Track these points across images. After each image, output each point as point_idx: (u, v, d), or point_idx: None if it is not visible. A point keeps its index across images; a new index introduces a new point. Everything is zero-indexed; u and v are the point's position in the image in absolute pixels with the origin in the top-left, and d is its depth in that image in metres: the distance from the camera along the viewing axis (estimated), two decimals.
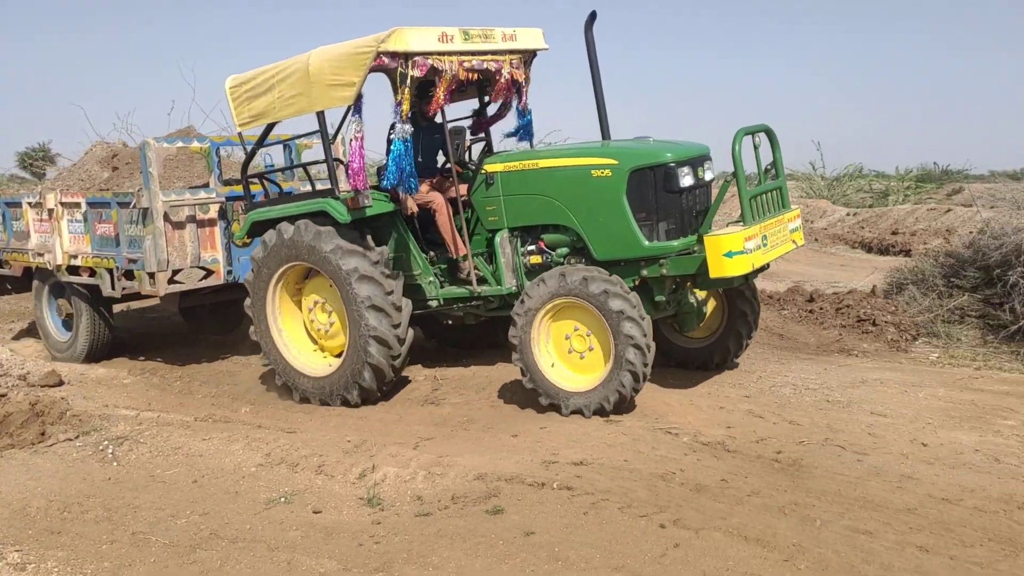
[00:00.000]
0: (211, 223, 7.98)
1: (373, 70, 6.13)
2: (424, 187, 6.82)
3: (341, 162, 7.52)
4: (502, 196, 6.57)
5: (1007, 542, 3.98)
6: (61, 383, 7.58)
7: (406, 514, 4.56)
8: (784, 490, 4.62)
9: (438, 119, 6.88)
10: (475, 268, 6.69)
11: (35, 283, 9.31)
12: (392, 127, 6.46)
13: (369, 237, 6.57)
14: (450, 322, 7.40)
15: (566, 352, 6.07)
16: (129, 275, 7.94)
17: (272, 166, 8.66)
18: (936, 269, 9.24)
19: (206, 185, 8.26)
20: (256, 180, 7.58)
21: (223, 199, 7.97)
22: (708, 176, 6.36)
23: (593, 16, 6.69)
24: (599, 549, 4.01)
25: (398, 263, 6.80)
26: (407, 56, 6.04)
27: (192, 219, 7.84)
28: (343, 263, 6.35)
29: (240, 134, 7.34)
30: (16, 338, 10.23)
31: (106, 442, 5.88)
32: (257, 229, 7.13)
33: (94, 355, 8.69)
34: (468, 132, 7.31)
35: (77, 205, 8.43)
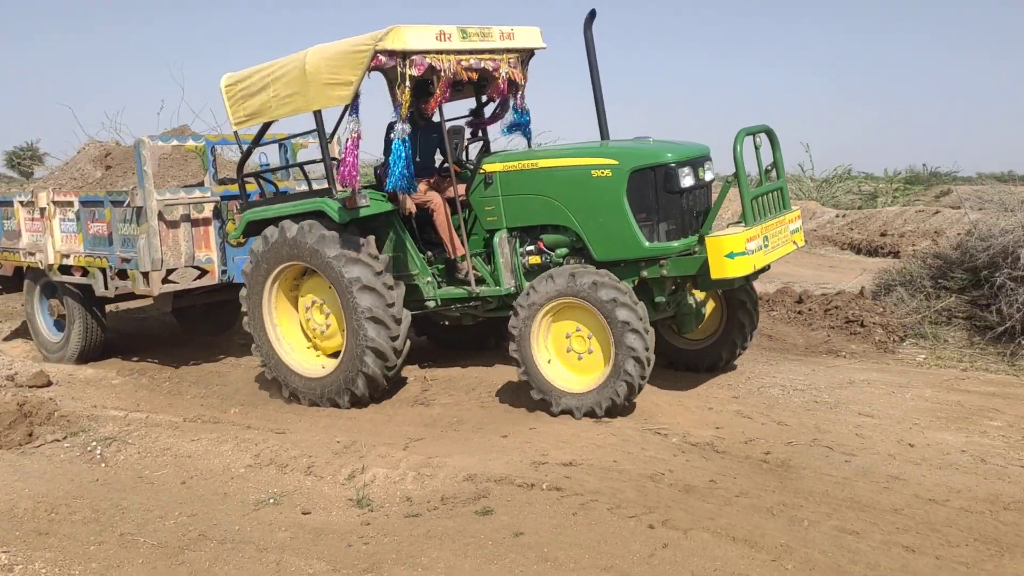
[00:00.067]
0: (206, 222, 7.92)
1: (371, 69, 6.08)
2: (422, 187, 6.79)
3: (338, 161, 7.48)
4: (501, 196, 6.53)
5: (993, 542, 4.02)
6: (49, 384, 7.54)
7: (395, 515, 4.56)
8: (772, 491, 4.64)
9: (436, 118, 6.86)
10: (473, 268, 6.66)
11: (26, 283, 9.24)
12: (390, 127, 6.43)
13: (372, 243, 6.53)
14: (447, 323, 7.36)
15: (564, 351, 6.05)
16: (122, 275, 7.88)
17: (267, 165, 8.61)
18: (924, 271, 9.29)
19: (201, 184, 8.21)
20: (252, 179, 7.54)
21: (218, 198, 7.93)
22: (708, 176, 6.35)
23: (592, 15, 6.64)
24: (588, 549, 4.02)
25: (395, 263, 6.77)
26: (405, 55, 5.99)
27: (187, 218, 7.78)
28: (346, 271, 6.30)
29: (236, 133, 7.28)
30: (7, 339, 10.17)
31: (94, 443, 5.86)
32: (253, 228, 7.09)
33: (86, 356, 8.62)
34: (466, 131, 7.28)
35: (70, 204, 8.36)
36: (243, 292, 7.04)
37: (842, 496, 4.55)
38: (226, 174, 8.49)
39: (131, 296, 8.51)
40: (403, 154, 6.24)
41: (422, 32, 6.06)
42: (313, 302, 6.86)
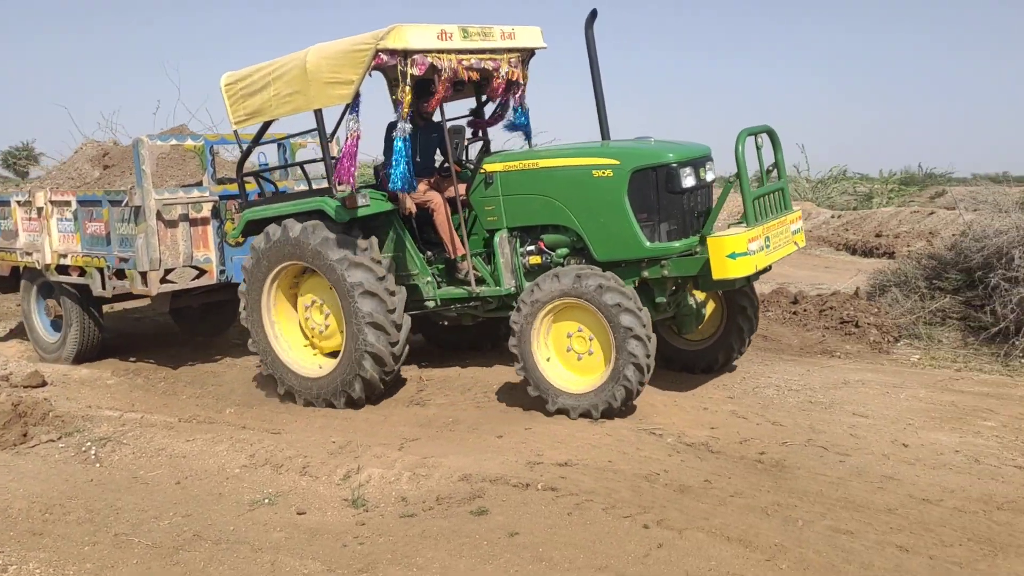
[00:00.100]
0: (204, 222, 7.89)
1: (372, 68, 6.05)
2: (422, 186, 6.76)
3: (337, 160, 7.45)
4: (501, 196, 6.51)
5: (986, 542, 4.03)
6: (44, 384, 7.53)
7: (391, 515, 4.56)
8: (767, 491, 4.65)
9: (436, 118, 6.83)
10: (473, 268, 6.63)
11: (23, 283, 9.20)
12: (391, 127, 6.40)
13: (376, 247, 6.51)
14: (445, 323, 7.34)
15: (564, 350, 6.03)
16: (120, 274, 7.86)
17: (266, 165, 8.56)
18: (918, 271, 9.31)
19: (199, 184, 8.19)
20: (251, 179, 7.50)
21: (216, 198, 7.90)
22: (709, 177, 6.33)
23: (594, 14, 6.60)
24: (583, 549, 4.02)
25: (395, 263, 6.75)
26: (406, 53, 5.95)
27: (185, 218, 7.75)
28: (348, 275, 6.29)
29: (235, 132, 7.25)
30: (3, 339, 10.14)
31: (89, 443, 5.85)
32: (252, 228, 7.07)
33: (83, 356, 8.59)
34: (467, 131, 7.24)
35: (67, 203, 8.33)
36: (242, 287, 7.01)
37: (836, 496, 4.57)
38: (224, 174, 8.47)
39: (129, 296, 8.48)
40: (404, 154, 6.22)
41: (423, 31, 6.03)
42: (313, 301, 6.83)
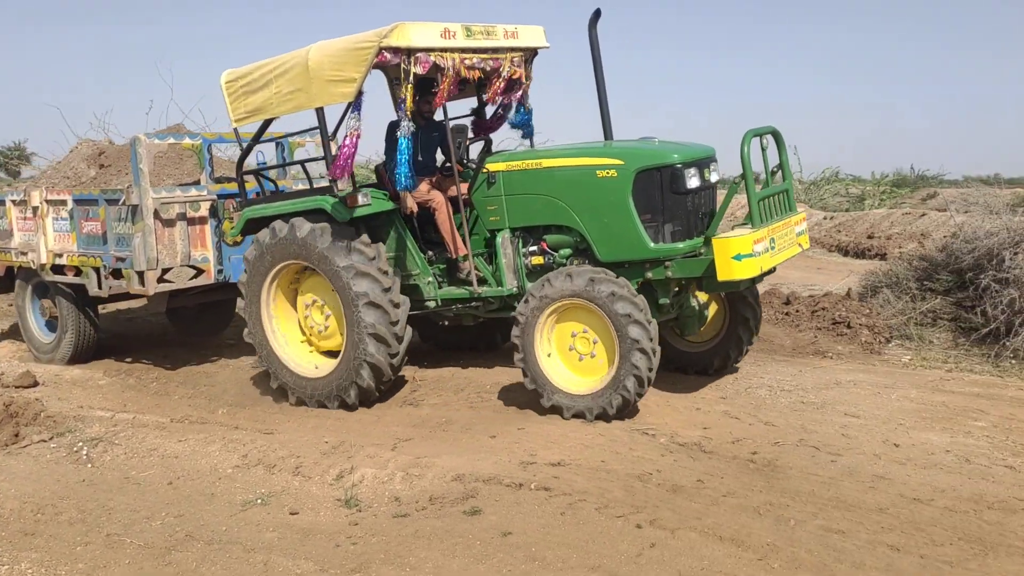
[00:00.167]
0: (202, 221, 7.85)
1: (374, 66, 6.01)
2: (424, 186, 6.73)
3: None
4: (504, 196, 6.48)
5: (976, 541, 4.05)
6: (36, 384, 7.51)
7: (383, 515, 4.56)
8: (759, 490, 4.67)
9: (438, 117, 6.79)
10: (475, 268, 6.60)
11: (18, 283, 9.15)
12: (392, 126, 6.37)
13: (366, 235, 6.48)
14: (445, 323, 7.30)
15: (567, 348, 6.00)
16: (116, 274, 7.81)
17: (264, 164, 8.52)
18: (910, 272, 9.34)
19: (197, 183, 8.16)
20: (250, 177, 7.46)
21: (214, 197, 7.86)
22: (714, 178, 6.31)
23: (597, 14, 6.57)
24: (576, 549, 4.03)
25: (396, 263, 6.72)
26: (409, 52, 5.92)
27: (182, 217, 7.71)
28: (339, 260, 6.27)
29: (235, 130, 7.19)
30: None
31: (80, 443, 5.84)
32: (252, 227, 7.02)
33: (79, 357, 8.54)
34: (469, 130, 7.15)
35: (63, 202, 8.28)
36: (243, 277, 6.95)
37: (828, 496, 4.58)
38: (222, 173, 8.44)
39: (124, 296, 8.43)
40: (406, 153, 6.18)
41: (427, 29, 5.99)
42: (313, 301, 6.79)
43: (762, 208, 5.92)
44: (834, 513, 4.36)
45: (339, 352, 6.64)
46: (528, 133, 7.18)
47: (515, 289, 6.49)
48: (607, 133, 6.79)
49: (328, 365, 6.71)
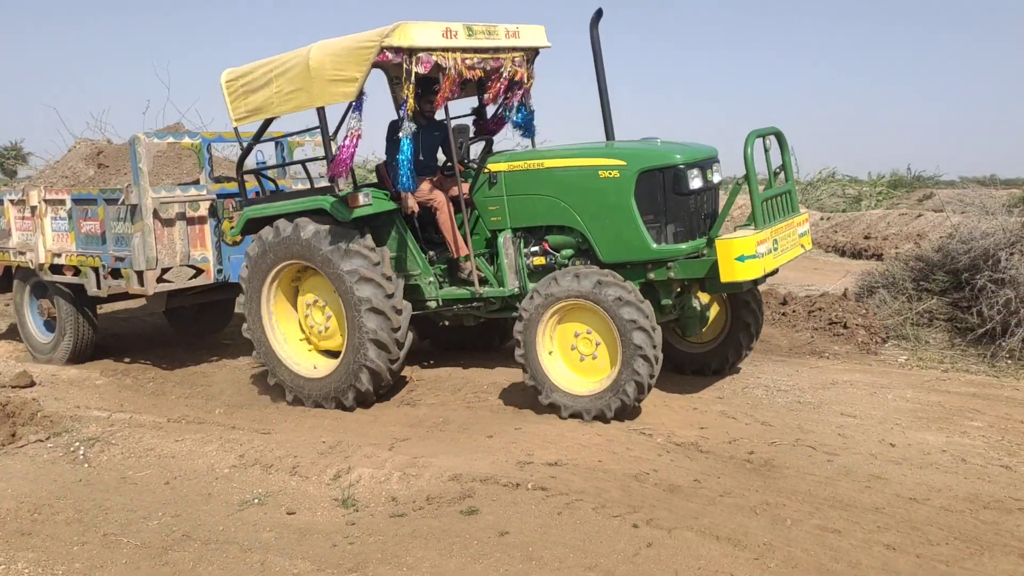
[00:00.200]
0: (201, 221, 7.82)
1: (375, 65, 5.98)
2: (425, 185, 6.71)
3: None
4: (505, 196, 6.46)
5: (972, 541, 4.06)
6: (32, 384, 7.49)
7: (380, 515, 4.56)
8: (756, 490, 4.67)
9: (438, 116, 6.76)
10: (476, 269, 6.57)
11: (15, 283, 9.12)
12: (395, 126, 6.34)
13: (369, 238, 6.46)
14: (446, 323, 7.29)
15: (568, 347, 5.98)
16: (116, 274, 7.79)
17: (263, 163, 8.51)
18: (906, 273, 9.36)
19: (196, 182, 8.14)
20: (250, 177, 7.42)
21: (214, 196, 7.83)
22: (716, 179, 6.29)
23: (599, 14, 6.53)
24: (573, 549, 4.04)
25: (397, 263, 6.70)
26: (411, 51, 5.89)
27: (182, 216, 7.69)
28: (343, 264, 6.25)
29: (236, 129, 7.16)
30: None
31: (77, 443, 5.83)
32: (252, 226, 7.00)
33: (78, 357, 8.51)
34: (471, 130, 7.10)
35: (61, 202, 8.26)
36: (243, 273, 6.91)
37: (824, 495, 4.59)
38: (221, 172, 8.43)
39: (123, 296, 8.42)
40: (407, 153, 6.16)
41: (429, 29, 5.97)
42: (315, 300, 6.76)
43: (765, 209, 5.89)
44: (830, 512, 4.37)
45: (338, 352, 6.63)
46: (529, 133, 7.14)
47: (516, 289, 6.47)
48: (608, 133, 6.77)
49: (326, 365, 6.71)
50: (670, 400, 6.34)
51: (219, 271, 7.92)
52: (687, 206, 6.01)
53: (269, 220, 6.77)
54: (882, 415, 6.02)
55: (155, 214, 7.47)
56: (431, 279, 6.78)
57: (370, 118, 6.24)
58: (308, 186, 7.64)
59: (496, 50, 6.45)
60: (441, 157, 7.14)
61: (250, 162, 7.40)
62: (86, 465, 5.54)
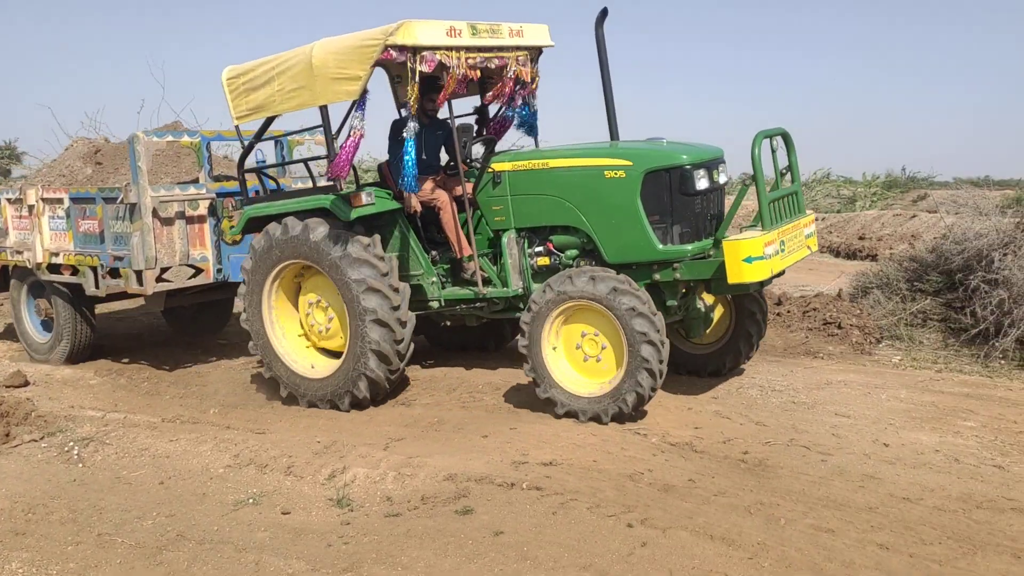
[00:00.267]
0: (200, 220, 7.78)
1: (378, 64, 5.94)
2: (428, 185, 6.68)
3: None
4: (509, 196, 6.43)
5: (965, 540, 4.08)
6: (26, 384, 7.48)
7: (375, 514, 4.56)
8: (750, 490, 4.69)
9: (442, 115, 6.74)
10: (480, 269, 6.54)
11: (12, 282, 9.08)
12: (398, 125, 6.30)
13: (378, 242, 6.41)
14: (447, 323, 7.27)
15: (573, 346, 5.95)
16: (114, 273, 7.75)
17: (263, 162, 8.47)
18: (900, 273, 9.39)
19: (195, 181, 8.09)
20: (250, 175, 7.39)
21: (213, 195, 7.79)
22: (722, 179, 6.27)
23: (604, 13, 6.49)
24: (567, 548, 4.04)
25: (400, 263, 6.66)
26: (416, 50, 5.86)
27: (181, 215, 7.65)
28: (351, 272, 6.18)
29: (237, 128, 7.10)
30: None
31: (71, 443, 5.82)
32: (253, 225, 6.96)
33: (75, 357, 8.48)
34: (474, 129, 7.05)
35: (59, 201, 8.22)
36: (247, 264, 6.85)
37: (818, 495, 4.61)
38: (220, 171, 8.39)
39: (122, 296, 8.38)
40: (410, 152, 6.12)
41: (433, 27, 5.93)
42: (318, 300, 6.71)
43: (772, 210, 5.87)
44: (824, 512, 4.38)
45: (337, 352, 6.62)
46: (533, 133, 7.11)
47: (520, 290, 6.44)
48: (613, 133, 6.73)
49: (324, 364, 6.69)
50: (665, 400, 6.35)
51: (218, 270, 7.88)
52: (693, 207, 5.97)
53: (270, 220, 6.73)
54: (876, 415, 6.04)
55: (154, 213, 7.43)
56: (434, 279, 6.74)
57: (369, 117, 6.21)
58: (308, 185, 7.61)
59: (500, 49, 6.41)
60: (443, 156, 7.12)
61: (249, 161, 7.37)
62: (80, 465, 5.53)
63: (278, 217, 6.68)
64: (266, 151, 8.90)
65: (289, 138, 8.56)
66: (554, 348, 5.97)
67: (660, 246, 5.92)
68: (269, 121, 6.94)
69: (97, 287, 7.93)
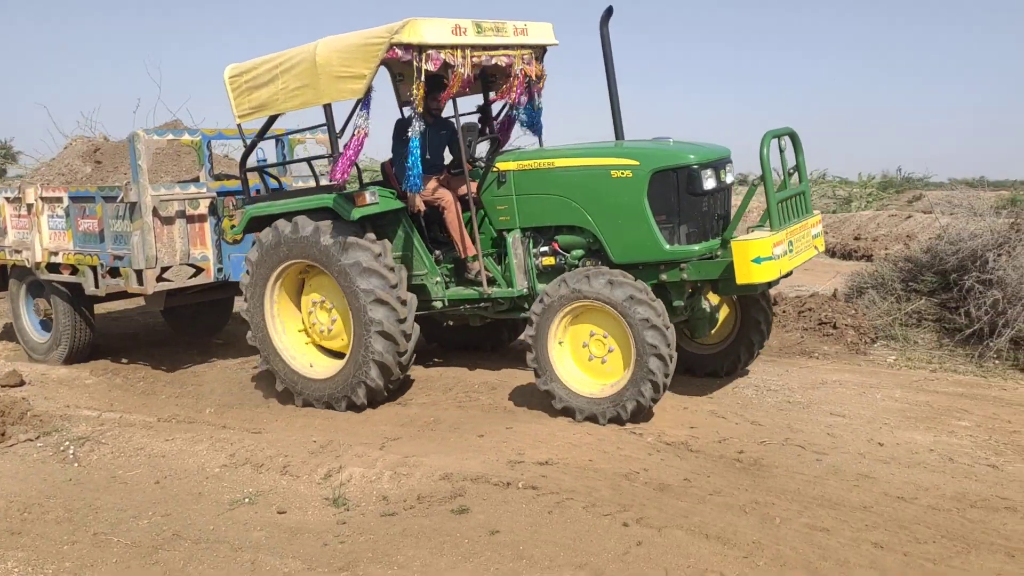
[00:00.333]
0: (201, 219, 7.75)
1: (383, 62, 5.92)
2: (432, 184, 6.65)
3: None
4: (514, 195, 6.40)
5: (959, 539, 4.09)
6: (22, 383, 7.47)
7: (371, 514, 4.57)
8: (745, 489, 4.70)
9: (447, 114, 6.72)
10: (484, 269, 6.52)
11: (11, 281, 9.05)
12: (402, 124, 6.28)
13: (389, 250, 6.38)
14: (450, 323, 7.24)
15: (580, 344, 5.93)
16: (114, 272, 7.72)
17: (264, 161, 8.43)
18: (895, 274, 9.40)
19: (196, 180, 8.06)
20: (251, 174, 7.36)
21: (214, 194, 7.77)
22: (729, 179, 6.25)
23: (609, 12, 6.46)
24: (563, 547, 4.05)
25: (403, 262, 6.64)
26: (421, 48, 5.82)
27: (182, 214, 7.62)
28: (361, 282, 6.15)
29: (239, 126, 7.07)
30: None
31: (67, 443, 5.82)
32: (255, 225, 6.93)
33: (75, 356, 8.45)
34: (479, 129, 6.98)
35: (59, 200, 8.18)
36: (252, 256, 6.82)
37: (813, 494, 4.62)
38: (221, 170, 8.35)
39: (121, 295, 8.35)
40: (415, 151, 6.09)
41: (438, 26, 5.90)
42: (321, 300, 6.68)
43: (781, 210, 5.84)
44: (819, 511, 4.39)
45: (338, 352, 6.60)
46: (537, 132, 7.07)
47: (525, 290, 6.42)
48: (618, 132, 6.71)
49: (324, 365, 6.67)
50: (661, 400, 6.36)
51: (219, 270, 7.84)
52: (700, 207, 5.95)
53: (272, 219, 6.70)
54: (871, 415, 6.06)
55: (154, 212, 7.39)
56: (438, 279, 6.72)
57: (373, 115, 6.18)
58: (309, 184, 7.58)
59: (504, 47, 6.38)
60: (447, 155, 7.10)
61: (250, 160, 7.35)
62: (76, 464, 5.52)
63: (280, 216, 6.65)
64: (266, 150, 8.88)
65: (290, 137, 8.53)
66: (560, 343, 5.94)
67: (667, 246, 5.90)
68: (272, 120, 6.91)
69: (97, 287, 7.90)
